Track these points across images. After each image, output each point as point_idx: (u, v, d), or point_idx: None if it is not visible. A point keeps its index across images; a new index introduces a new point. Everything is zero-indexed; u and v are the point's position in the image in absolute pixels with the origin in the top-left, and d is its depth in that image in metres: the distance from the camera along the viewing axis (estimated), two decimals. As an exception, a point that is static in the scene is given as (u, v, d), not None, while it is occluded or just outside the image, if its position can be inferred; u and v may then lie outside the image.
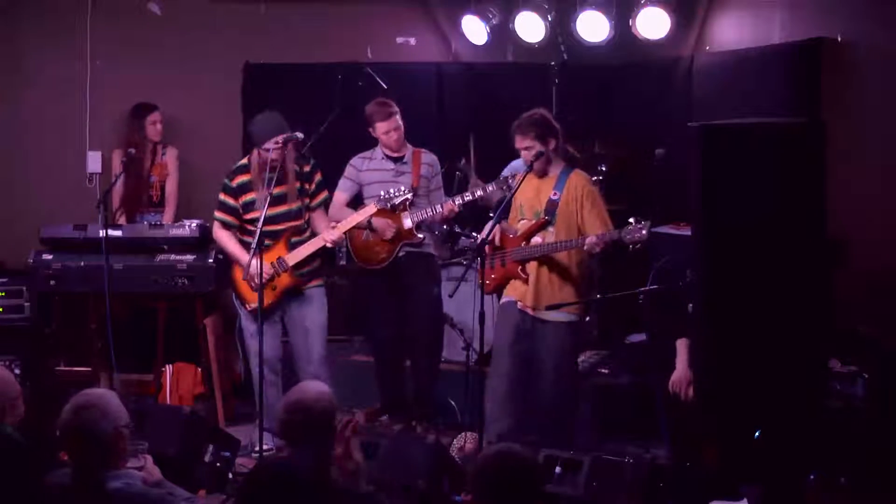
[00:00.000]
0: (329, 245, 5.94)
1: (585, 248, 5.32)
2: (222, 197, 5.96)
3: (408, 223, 6.20)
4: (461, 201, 6.13)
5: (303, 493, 3.48)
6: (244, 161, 6.00)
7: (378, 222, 6.20)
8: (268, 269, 5.78)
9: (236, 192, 5.92)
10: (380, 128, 6.25)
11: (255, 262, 5.61)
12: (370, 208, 6.02)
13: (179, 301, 6.55)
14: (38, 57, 7.67)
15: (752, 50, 6.84)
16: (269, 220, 5.67)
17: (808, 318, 4.87)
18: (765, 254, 4.85)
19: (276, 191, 5.73)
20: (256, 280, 5.62)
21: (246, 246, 5.89)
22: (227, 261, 6.12)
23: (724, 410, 4.91)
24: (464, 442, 5.71)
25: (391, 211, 6.11)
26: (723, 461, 4.77)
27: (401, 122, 6.27)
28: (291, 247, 5.90)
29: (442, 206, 6.14)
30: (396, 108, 6.28)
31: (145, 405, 5.38)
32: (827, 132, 4.88)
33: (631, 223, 5.20)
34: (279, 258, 5.86)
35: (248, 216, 5.92)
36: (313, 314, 6.02)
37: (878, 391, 5.20)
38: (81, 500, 3.45)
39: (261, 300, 5.59)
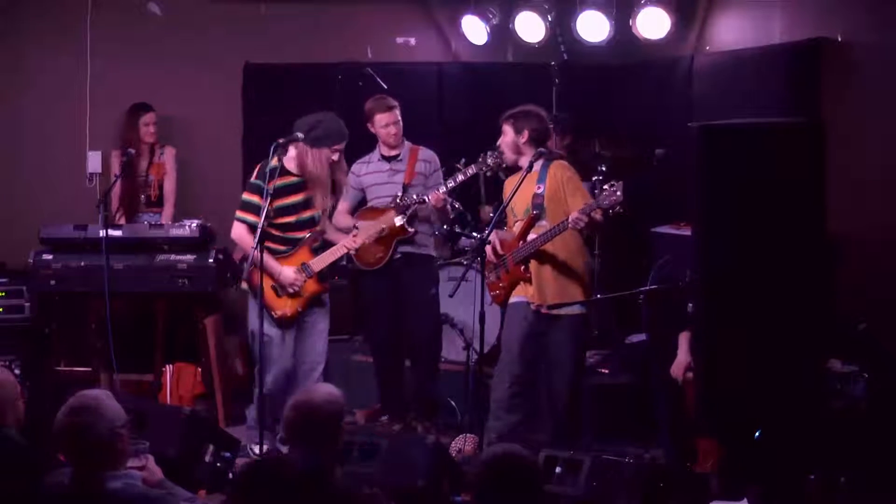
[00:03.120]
0: (352, 253, 5.91)
1: (571, 226, 5.36)
2: (257, 200, 5.63)
3: (398, 220, 6.19)
4: (446, 189, 6.12)
5: (303, 493, 3.49)
6: (275, 163, 5.56)
7: (372, 237, 6.09)
8: (294, 276, 5.69)
9: (273, 195, 5.56)
10: (379, 120, 6.24)
11: (314, 268, 5.67)
12: (389, 215, 6.04)
13: (179, 301, 6.55)
14: (38, 57, 7.68)
15: (752, 50, 6.84)
16: (295, 226, 5.65)
17: (808, 317, 4.87)
18: (765, 254, 4.85)
19: (305, 195, 5.67)
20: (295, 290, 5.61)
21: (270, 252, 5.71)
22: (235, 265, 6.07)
23: (723, 410, 4.91)
24: (462, 444, 5.71)
25: (400, 212, 6.10)
26: (720, 461, 4.78)
27: (400, 118, 6.27)
28: (314, 253, 5.82)
29: (429, 197, 6.12)
30: (396, 103, 6.28)
31: (145, 405, 5.36)
32: (827, 132, 4.88)
33: (605, 189, 5.25)
34: (303, 264, 5.74)
35: (280, 220, 5.68)
36: (326, 316, 5.95)
37: (878, 391, 5.21)
38: (81, 500, 3.44)
39: (260, 307, 5.53)
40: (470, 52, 8.00)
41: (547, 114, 5.89)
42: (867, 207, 5.96)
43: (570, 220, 5.36)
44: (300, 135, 5.70)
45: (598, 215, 5.34)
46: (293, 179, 5.70)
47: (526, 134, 5.65)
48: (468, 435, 5.71)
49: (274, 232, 5.70)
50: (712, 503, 4.43)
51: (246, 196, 5.74)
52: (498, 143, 5.76)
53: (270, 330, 5.73)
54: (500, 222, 5.77)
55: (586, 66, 7.66)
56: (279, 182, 5.61)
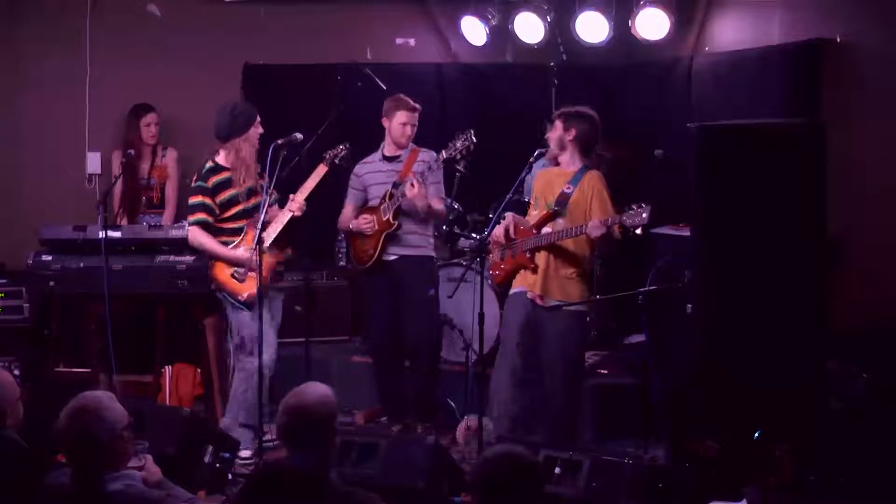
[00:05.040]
0: (296, 214, 5.92)
1: (587, 231, 5.36)
2: (200, 199, 5.94)
3: (386, 214, 6.22)
4: (420, 178, 6.13)
5: (302, 495, 3.48)
6: (210, 164, 5.99)
7: (356, 223, 6.31)
8: (249, 255, 5.85)
9: (213, 192, 5.94)
10: (400, 117, 6.28)
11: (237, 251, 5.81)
12: (320, 169, 6.08)
13: (179, 302, 6.53)
14: (38, 57, 7.67)
15: (751, 51, 6.83)
16: (244, 214, 5.88)
17: (807, 317, 4.87)
18: (764, 254, 4.85)
19: (250, 184, 5.92)
20: (254, 266, 5.71)
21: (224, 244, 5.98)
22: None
23: (723, 410, 4.92)
24: (467, 424, 5.75)
25: (332, 161, 6.17)
26: (719, 461, 4.78)
27: (416, 122, 6.34)
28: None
29: (405, 189, 6.14)
30: (419, 107, 6.37)
31: (145, 406, 5.36)
32: (827, 132, 4.89)
33: (633, 208, 5.24)
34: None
35: (228, 213, 5.94)
36: (280, 294, 6.17)
37: (878, 391, 5.21)
38: (81, 501, 3.44)
39: (260, 301, 5.60)
40: (469, 53, 8.00)
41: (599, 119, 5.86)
42: (867, 207, 5.96)
43: (588, 225, 5.36)
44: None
45: (616, 230, 5.34)
46: (230, 174, 5.95)
47: (573, 133, 5.69)
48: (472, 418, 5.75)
49: (227, 225, 5.97)
50: (712, 503, 4.43)
51: (190, 200, 6.02)
52: (546, 135, 5.81)
53: (241, 316, 5.92)
54: (506, 209, 5.78)
55: (585, 66, 7.66)
56: (216, 179, 5.93)
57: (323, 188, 6.61)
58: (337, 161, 6.13)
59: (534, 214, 5.73)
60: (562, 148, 5.72)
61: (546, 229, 5.61)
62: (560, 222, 5.58)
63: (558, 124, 5.74)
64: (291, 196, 6.01)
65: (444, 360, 6.65)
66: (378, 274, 6.36)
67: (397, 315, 6.38)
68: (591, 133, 5.73)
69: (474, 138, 6.09)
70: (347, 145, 6.19)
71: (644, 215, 5.15)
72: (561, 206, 5.59)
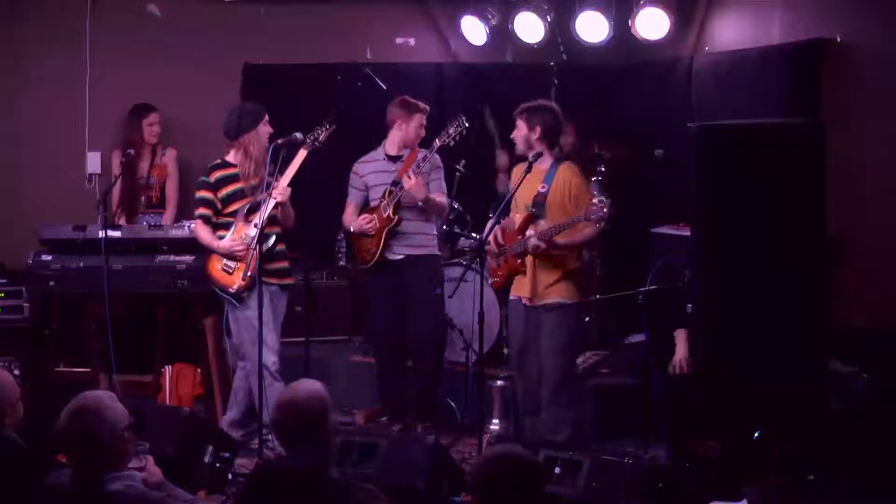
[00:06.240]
0: (280, 200, 5.87)
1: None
2: (202, 194, 6.02)
3: (386, 211, 6.23)
4: (416, 171, 6.13)
5: (302, 493, 3.48)
6: (218, 161, 6.06)
7: (357, 224, 6.28)
8: (231, 242, 5.91)
9: (215, 187, 5.99)
10: (417, 120, 6.31)
11: (250, 233, 5.83)
12: (301, 153, 6.02)
13: (179, 302, 6.54)
14: (38, 57, 7.66)
15: (751, 50, 6.84)
16: (251, 209, 5.91)
17: (807, 317, 4.87)
18: (764, 254, 4.85)
19: (257, 180, 5.94)
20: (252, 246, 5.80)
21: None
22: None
23: (723, 410, 4.92)
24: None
25: (313, 144, 6.09)
26: (719, 461, 4.78)
27: None
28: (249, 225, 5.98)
29: (402, 181, 6.15)
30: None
31: (145, 406, 5.36)
32: (827, 132, 4.88)
33: (594, 203, 5.30)
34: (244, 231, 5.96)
35: (232, 207, 5.97)
36: (283, 310, 6.12)
37: (878, 391, 5.21)
38: (81, 501, 3.44)
39: (260, 297, 5.63)
40: (469, 53, 8.00)
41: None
42: (867, 207, 5.96)
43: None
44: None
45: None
46: (237, 170, 6.00)
47: (538, 130, 5.68)
48: None
49: (230, 220, 5.99)
50: (712, 503, 4.43)
51: (196, 195, 6.09)
52: (512, 135, 5.79)
53: (239, 315, 5.93)
54: (505, 210, 5.78)
55: (585, 66, 7.66)
56: (220, 174, 6.00)
57: (322, 188, 6.61)
58: (318, 143, 6.07)
59: (517, 217, 5.74)
60: (530, 147, 5.71)
61: (529, 232, 5.62)
62: (542, 223, 5.59)
63: (521, 124, 5.71)
64: (274, 182, 5.97)
65: (445, 360, 6.64)
66: (382, 273, 6.34)
67: (401, 314, 6.38)
68: (555, 125, 5.73)
69: (466, 123, 6.15)
70: (327, 125, 6.12)
71: (605, 210, 5.26)
72: (539, 207, 5.62)
